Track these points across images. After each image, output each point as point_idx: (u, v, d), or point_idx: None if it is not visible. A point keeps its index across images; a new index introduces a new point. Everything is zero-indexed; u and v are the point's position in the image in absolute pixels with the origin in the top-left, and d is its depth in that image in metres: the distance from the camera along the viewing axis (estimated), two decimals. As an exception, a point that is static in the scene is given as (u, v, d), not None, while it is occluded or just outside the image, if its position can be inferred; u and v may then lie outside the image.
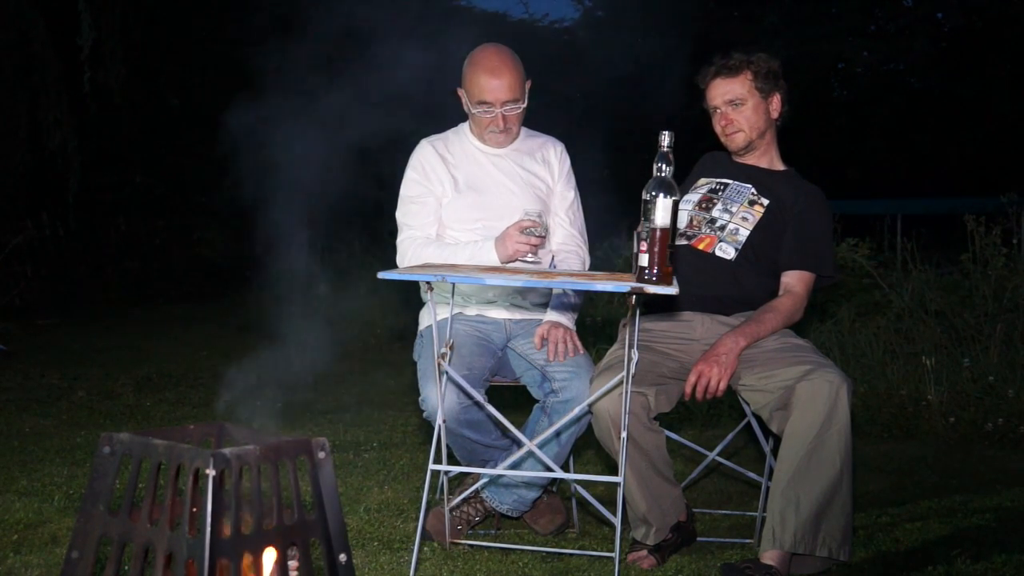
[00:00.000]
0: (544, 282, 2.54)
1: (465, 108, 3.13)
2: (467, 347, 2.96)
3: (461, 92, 3.12)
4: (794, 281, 3.00)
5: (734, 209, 3.05)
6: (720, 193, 3.10)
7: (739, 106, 3.03)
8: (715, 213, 3.06)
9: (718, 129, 3.10)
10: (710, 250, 3.01)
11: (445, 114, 3.30)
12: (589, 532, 3.18)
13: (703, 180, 3.16)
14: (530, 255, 2.91)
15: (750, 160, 3.11)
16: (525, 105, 3.09)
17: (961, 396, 4.61)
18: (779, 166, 3.13)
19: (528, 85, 3.10)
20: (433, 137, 3.19)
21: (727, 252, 2.99)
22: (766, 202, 3.04)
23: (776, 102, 3.05)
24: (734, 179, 3.10)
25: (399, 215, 3.13)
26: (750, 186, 3.07)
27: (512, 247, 2.89)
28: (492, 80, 3.01)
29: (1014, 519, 3.24)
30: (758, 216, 3.02)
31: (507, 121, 3.05)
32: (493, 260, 2.92)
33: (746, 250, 2.99)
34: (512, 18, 17.89)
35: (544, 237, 2.92)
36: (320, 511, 1.96)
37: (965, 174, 17.07)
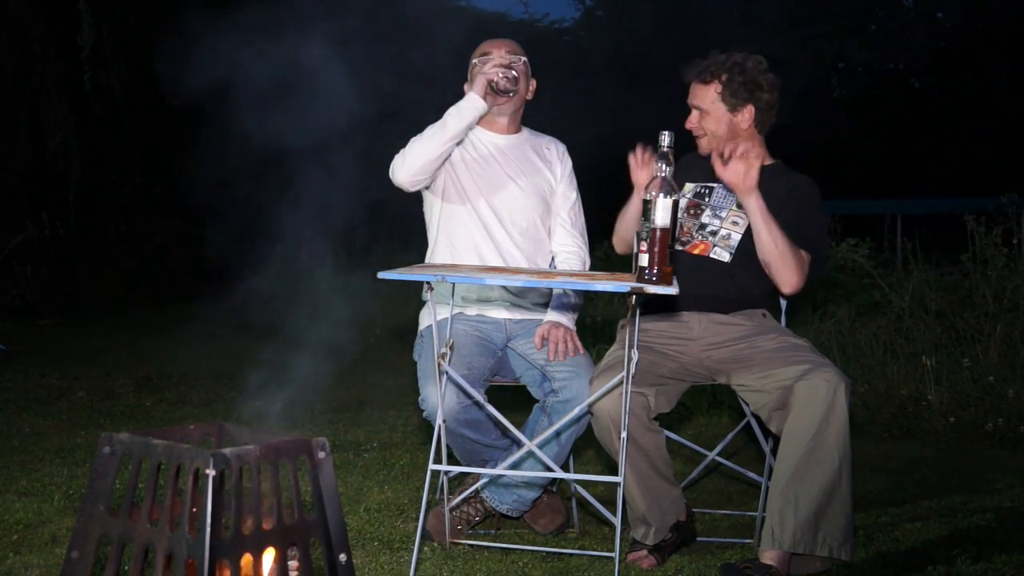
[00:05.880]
0: (544, 282, 2.54)
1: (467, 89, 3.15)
2: (467, 347, 2.96)
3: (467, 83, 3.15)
4: None
5: (723, 214, 3.02)
6: (707, 198, 3.06)
7: (703, 114, 3.02)
8: (704, 219, 3.03)
9: None
10: (705, 255, 2.99)
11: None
12: (589, 532, 3.18)
13: (688, 185, 3.10)
14: (506, 87, 3.00)
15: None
16: (525, 59, 3.13)
17: (961, 396, 4.61)
18: (765, 160, 3.05)
19: (533, 85, 3.16)
20: None
21: (722, 256, 2.98)
22: None
23: (747, 115, 2.98)
24: (718, 182, 3.00)
25: None
26: None
27: (484, 77, 2.97)
28: (495, 42, 3.15)
29: (1014, 519, 3.24)
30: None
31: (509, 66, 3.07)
32: (474, 103, 2.97)
33: (740, 253, 2.97)
34: (512, 18, 17.87)
35: (516, 78, 3.02)
36: (320, 511, 1.96)
37: (965, 174, 17.07)
